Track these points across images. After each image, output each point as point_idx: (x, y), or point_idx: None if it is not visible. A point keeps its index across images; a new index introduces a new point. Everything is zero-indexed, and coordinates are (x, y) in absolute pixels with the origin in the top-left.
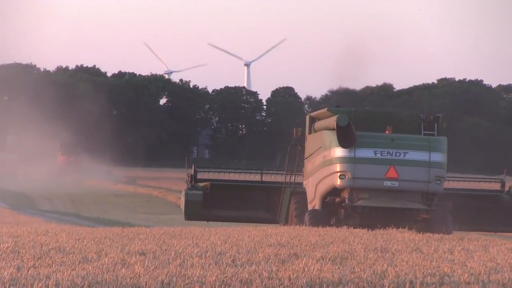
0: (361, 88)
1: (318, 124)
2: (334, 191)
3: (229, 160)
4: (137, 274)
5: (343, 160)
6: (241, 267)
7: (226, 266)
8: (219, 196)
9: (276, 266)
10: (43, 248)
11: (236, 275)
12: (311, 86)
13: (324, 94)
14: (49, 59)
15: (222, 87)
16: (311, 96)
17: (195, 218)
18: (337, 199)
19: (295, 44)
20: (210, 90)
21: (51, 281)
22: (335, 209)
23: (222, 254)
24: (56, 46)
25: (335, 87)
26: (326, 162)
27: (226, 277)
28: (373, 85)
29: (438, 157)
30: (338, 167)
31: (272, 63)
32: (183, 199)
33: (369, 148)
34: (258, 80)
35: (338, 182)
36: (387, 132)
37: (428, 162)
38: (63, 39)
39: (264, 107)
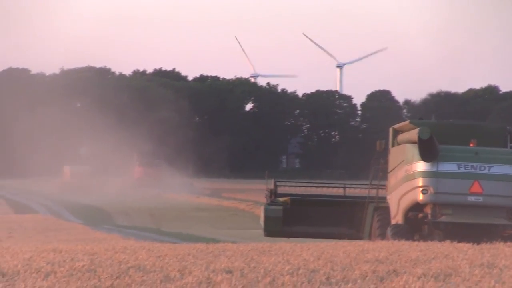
0: (463, 91)
1: (400, 137)
2: (417, 206)
3: (321, 170)
4: None
5: (425, 174)
6: (336, 286)
7: (320, 285)
8: (300, 211)
9: (374, 284)
10: (122, 266)
11: None
12: (409, 88)
13: (423, 97)
14: (124, 62)
15: (313, 91)
16: (410, 100)
17: (275, 234)
18: (420, 215)
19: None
20: (300, 94)
21: None
22: (419, 225)
23: (316, 272)
24: (132, 48)
25: (435, 90)
26: (409, 177)
27: None
28: (477, 87)
29: None
30: (420, 182)
31: (367, 65)
32: (262, 215)
33: (452, 162)
34: (352, 83)
35: (420, 197)
36: (471, 145)
37: None
38: (139, 41)
39: (359, 112)
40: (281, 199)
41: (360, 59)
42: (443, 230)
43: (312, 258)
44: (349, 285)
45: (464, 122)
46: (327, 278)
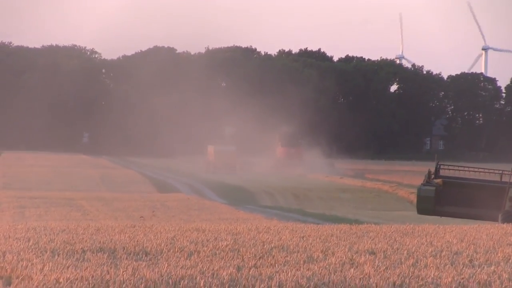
0: None
1: None
2: None
3: (465, 152)
4: (366, 274)
5: None
6: (479, 268)
7: (462, 267)
8: (451, 193)
9: None
10: (265, 246)
11: (474, 277)
12: None
13: None
14: (270, 43)
15: (458, 73)
16: None
17: (426, 212)
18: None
19: None
20: (444, 76)
21: (274, 282)
22: None
23: (458, 254)
24: (278, 28)
25: None
26: None
27: (463, 278)
28: None
29: None
30: None
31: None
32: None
33: None
34: (496, 65)
35: None
36: None
37: None
38: (284, 21)
39: (503, 94)
40: (436, 181)
41: (507, 51)
42: None
43: (455, 240)
44: (492, 267)
45: None
46: (470, 261)
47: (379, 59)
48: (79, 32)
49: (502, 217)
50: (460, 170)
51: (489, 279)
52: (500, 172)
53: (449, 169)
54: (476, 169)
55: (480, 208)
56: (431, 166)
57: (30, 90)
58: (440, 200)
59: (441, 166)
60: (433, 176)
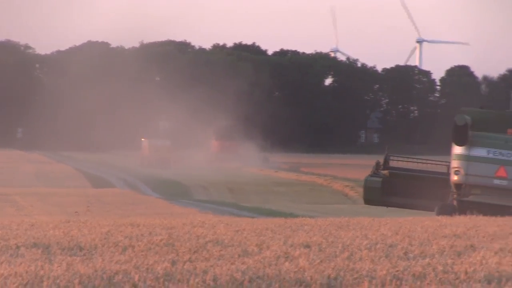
0: None
1: None
2: (456, 186)
3: (400, 145)
4: (301, 268)
5: (458, 157)
6: (413, 260)
7: (397, 259)
8: (397, 184)
9: (452, 259)
10: (200, 240)
11: (409, 269)
12: (488, 64)
13: (502, 73)
14: (204, 37)
15: (393, 65)
16: (488, 76)
17: (373, 203)
18: (455, 193)
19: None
20: (379, 69)
21: (209, 276)
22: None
23: (393, 246)
24: (212, 22)
25: None
26: (452, 158)
27: (397, 271)
28: None
29: None
30: (455, 164)
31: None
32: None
33: (483, 148)
34: (431, 57)
35: (454, 177)
36: (509, 133)
37: None
38: (218, 15)
39: (438, 87)
40: (383, 172)
41: (441, 42)
42: (470, 208)
43: (390, 233)
44: (427, 260)
45: (509, 112)
46: (405, 253)
47: (313, 52)
48: (13, 27)
49: (438, 208)
50: (409, 161)
51: (423, 271)
52: (448, 164)
53: (398, 161)
54: (424, 161)
55: (425, 199)
56: (380, 157)
57: None
58: (386, 190)
59: (391, 158)
60: (381, 167)
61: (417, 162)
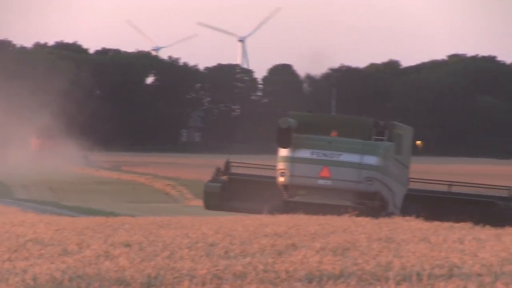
0: (365, 65)
1: None
2: (283, 187)
3: (222, 143)
4: (121, 267)
5: (284, 159)
6: (234, 259)
7: (218, 258)
8: (236, 189)
9: (273, 258)
10: (19, 239)
11: (229, 268)
12: (310, 63)
13: (325, 72)
14: (26, 35)
15: (215, 64)
16: (311, 74)
17: (213, 208)
18: (284, 194)
19: (293, 18)
20: (201, 68)
21: (28, 275)
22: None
23: (214, 245)
24: (34, 21)
25: (336, 64)
26: (278, 160)
27: (218, 270)
28: (379, 62)
29: (371, 160)
30: (280, 166)
31: (269, 39)
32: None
33: (307, 149)
34: (254, 57)
35: (280, 179)
36: (332, 135)
37: (360, 164)
38: (40, 14)
39: (260, 86)
40: (222, 177)
41: (259, 27)
42: (298, 209)
43: (211, 232)
44: (248, 259)
45: (335, 115)
46: (226, 252)
47: (135, 51)
48: None
49: (266, 210)
50: (250, 167)
51: (244, 270)
52: None
53: (239, 166)
54: (266, 166)
55: (262, 203)
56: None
57: None
58: (226, 196)
59: (231, 163)
60: (222, 173)
61: (258, 168)
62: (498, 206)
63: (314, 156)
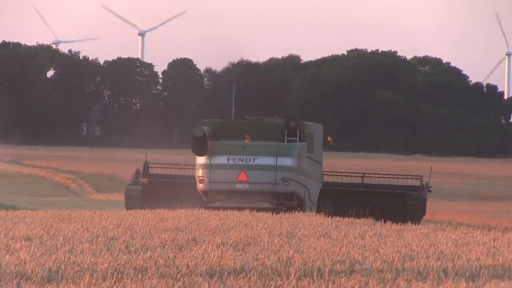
0: (265, 60)
1: None
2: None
3: (122, 137)
4: (22, 261)
5: (201, 166)
6: (135, 254)
7: (119, 253)
8: (157, 190)
9: (173, 252)
10: None
11: (130, 262)
12: (211, 57)
13: (225, 66)
14: None
15: (115, 58)
16: (211, 69)
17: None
18: (204, 200)
19: (195, 13)
20: (101, 62)
21: None
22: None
23: (115, 240)
24: None
25: (236, 59)
26: (196, 167)
27: (119, 264)
28: (279, 56)
29: (286, 161)
30: (198, 173)
31: (169, 33)
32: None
33: (223, 155)
34: (154, 51)
35: (199, 186)
36: (246, 140)
37: (275, 166)
38: None
39: (160, 80)
40: (143, 180)
41: (161, 24)
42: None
43: (111, 226)
44: (148, 253)
45: (247, 119)
46: (126, 246)
47: (35, 44)
48: None
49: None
50: (169, 168)
51: (145, 264)
52: None
53: (159, 167)
54: (185, 166)
55: (182, 202)
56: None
57: None
58: (147, 197)
59: (150, 165)
60: (141, 175)
61: (178, 168)
62: (411, 196)
63: (231, 162)
